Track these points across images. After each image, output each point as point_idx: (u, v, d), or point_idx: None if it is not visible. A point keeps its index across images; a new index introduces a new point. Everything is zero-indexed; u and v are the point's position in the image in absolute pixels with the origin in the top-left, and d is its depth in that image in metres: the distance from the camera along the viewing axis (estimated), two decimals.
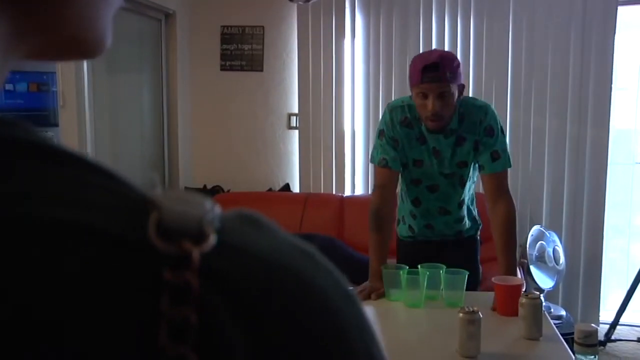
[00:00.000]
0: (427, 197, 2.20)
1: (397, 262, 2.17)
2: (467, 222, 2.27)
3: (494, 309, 1.88)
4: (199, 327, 0.25)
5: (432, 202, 2.20)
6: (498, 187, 2.09)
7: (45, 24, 0.31)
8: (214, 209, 0.29)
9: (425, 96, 1.96)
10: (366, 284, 2.07)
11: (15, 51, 0.31)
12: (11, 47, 0.30)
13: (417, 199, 2.22)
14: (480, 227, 2.34)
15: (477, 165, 2.14)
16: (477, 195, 2.35)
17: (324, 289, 0.30)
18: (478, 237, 2.34)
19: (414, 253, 2.23)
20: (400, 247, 2.26)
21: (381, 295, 2.02)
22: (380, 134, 2.16)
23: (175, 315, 0.25)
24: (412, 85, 2.02)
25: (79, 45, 0.34)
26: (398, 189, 2.25)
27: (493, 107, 2.19)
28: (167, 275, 0.26)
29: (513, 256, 2.07)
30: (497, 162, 2.08)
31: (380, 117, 2.26)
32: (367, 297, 2.00)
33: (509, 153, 2.12)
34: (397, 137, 2.12)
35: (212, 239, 0.27)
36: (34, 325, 0.23)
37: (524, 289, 1.92)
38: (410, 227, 2.29)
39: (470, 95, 3.88)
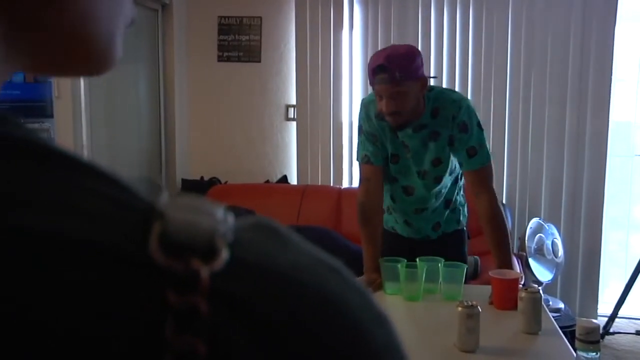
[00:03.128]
0: (402, 199, 2.19)
1: (382, 252, 2.14)
2: (447, 215, 2.22)
3: (491, 303, 1.86)
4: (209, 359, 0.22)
5: (407, 204, 2.19)
6: (478, 183, 2.04)
7: (42, 27, 0.28)
8: (227, 219, 0.25)
9: (380, 97, 1.94)
10: (362, 277, 2.06)
11: (11, 60, 0.28)
12: (6, 55, 0.28)
13: (392, 197, 2.21)
14: (465, 219, 2.29)
15: (454, 160, 2.11)
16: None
17: (354, 310, 0.27)
18: (464, 229, 2.30)
19: (398, 244, 2.22)
20: (385, 236, 2.23)
21: (379, 287, 2.00)
22: (360, 130, 2.15)
23: (182, 345, 0.22)
24: (371, 84, 1.99)
25: (81, 55, 0.31)
26: None
27: (469, 101, 2.10)
28: (172, 298, 0.22)
29: (505, 250, 2.03)
30: (473, 158, 2.02)
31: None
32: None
33: (488, 148, 2.05)
34: (374, 132, 2.10)
35: (225, 255, 0.24)
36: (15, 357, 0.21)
37: (522, 282, 1.90)
38: (395, 219, 2.29)
39: (469, 88, 3.86)
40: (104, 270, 0.22)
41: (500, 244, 2.02)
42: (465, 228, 2.31)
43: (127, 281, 0.23)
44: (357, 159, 2.20)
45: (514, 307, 1.73)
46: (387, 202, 2.26)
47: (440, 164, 2.09)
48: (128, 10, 0.33)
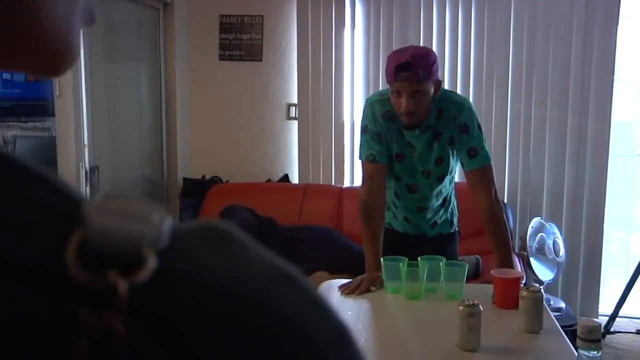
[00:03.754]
0: (405, 196, 2.22)
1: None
2: (442, 214, 2.28)
3: (494, 303, 1.86)
4: None
5: (410, 201, 2.23)
6: (479, 183, 2.06)
7: None
8: (162, 224, 0.22)
9: (399, 94, 1.96)
10: (363, 276, 2.06)
11: None
12: None
13: (396, 193, 2.24)
14: (457, 220, 2.34)
15: (456, 159, 2.14)
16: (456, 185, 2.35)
17: (308, 329, 0.23)
18: (456, 230, 2.35)
19: (394, 240, 2.25)
20: (385, 233, 2.25)
21: (380, 284, 2.01)
22: (364, 129, 2.16)
23: None
24: (387, 82, 2.02)
25: (35, 52, 0.28)
26: None
27: (471, 103, 2.14)
28: (84, 317, 0.19)
29: (505, 249, 2.05)
30: (474, 159, 2.05)
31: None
32: (366, 289, 1.99)
33: (488, 149, 2.08)
34: (380, 131, 2.11)
35: (151, 266, 0.21)
36: None
37: (523, 282, 1.90)
38: (394, 214, 2.32)
39: (471, 87, 3.86)
40: (10, 287, 0.20)
41: (501, 243, 2.05)
42: (457, 229, 2.36)
43: (37, 299, 0.20)
44: (360, 158, 2.21)
45: (516, 306, 1.73)
46: (389, 197, 2.27)
47: (442, 163, 2.12)
48: (88, 5, 0.30)
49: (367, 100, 2.20)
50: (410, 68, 1.90)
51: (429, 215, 2.25)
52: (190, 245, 0.23)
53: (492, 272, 1.91)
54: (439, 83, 2.01)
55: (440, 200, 2.24)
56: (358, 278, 2.05)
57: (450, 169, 2.15)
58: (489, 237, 2.07)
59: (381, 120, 2.10)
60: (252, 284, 0.23)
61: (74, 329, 0.19)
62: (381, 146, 2.12)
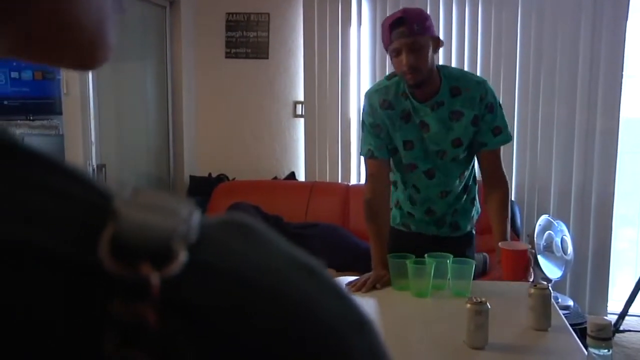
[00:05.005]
0: (426, 184, 2.17)
1: (389, 250, 2.14)
2: (464, 202, 2.23)
3: (499, 262, 1.93)
4: None
5: (431, 188, 2.18)
6: (496, 164, 2.13)
7: (25, 9, 0.26)
8: (191, 218, 0.23)
9: (398, 52, 1.96)
10: (370, 273, 2.05)
11: None
12: None
13: (415, 186, 2.19)
14: (476, 217, 2.30)
15: (471, 145, 2.11)
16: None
17: (331, 318, 0.24)
18: (473, 232, 2.30)
19: (406, 243, 2.18)
20: (392, 235, 2.21)
21: (387, 282, 2.00)
22: (363, 124, 2.17)
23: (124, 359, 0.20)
24: (386, 48, 2.03)
25: (69, 43, 0.28)
26: (392, 177, 2.24)
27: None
28: (117, 307, 0.20)
29: (507, 224, 2.11)
30: (498, 137, 2.11)
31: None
32: (373, 286, 1.99)
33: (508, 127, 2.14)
34: (379, 122, 2.10)
35: (182, 259, 0.21)
36: None
37: (531, 249, 1.94)
38: (408, 213, 2.25)
39: None
40: (43, 278, 0.20)
41: (507, 220, 2.11)
42: (474, 230, 2.32)
43: (70, 290, 0.20)
44: (361, 154, 2.21)
45: (524, 277, 1.74)
46: (405, 195, 2.22)
47: (460, 146, 2.09)
48: None
49: (365, 93, 2.19)
50: (405, 23, 1.94)
51: (452, 201, 2.19)
52: (216, 238, 0.24)
53: (499, 244, 1.94)
54: (437, 40, 2.01)
55: (462, 185, 2.19)
56: (365, 275, 2.05)
57: (466, 152, 2.12)
58: (498, 217, 2.10)
59: (380, 110, 2.09)
60: (277, 275, 0.24)
61: (106, 319, 0.20)
62: (379, 140, 2.11)
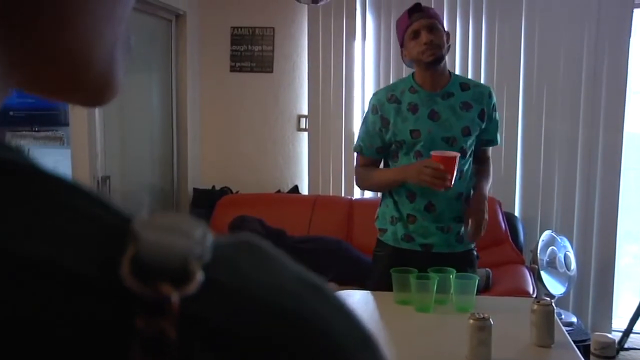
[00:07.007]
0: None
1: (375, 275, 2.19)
2: (463, 207, 2.17)
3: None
4: None
5: None
6: (487, 155, 2.33)
7: (37, 44, 0.26)
8: (205, 239, 0.24)
9: (417, 34, 2.12)
10: (415, 167, 2.06)
11: (7, 77, 0.27)
12: (3, 73, 0.27)
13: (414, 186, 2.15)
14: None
15: (475, 140, 2.20)
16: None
17: (337, 333, 0.25)
18: (474, 251, 2.24)
19: (408, 262, 2.07)
20: (394, 254, 2.14)
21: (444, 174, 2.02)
22: (363, 122, 2.31)
23: None
24: (402, 35, 2.16)
25: (79, 79, 0.29)
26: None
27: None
28: (139, 323, 0.22)
29: (486, 182, 2.27)
30: (498, 136, 2.32)
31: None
32: (433, 179, 1.99)
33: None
34: (386, 115, 2.18)
35: (199, 278, 0.23)
36: None
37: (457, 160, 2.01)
38: (409, 217, 2.16)
39: None
40: (67, 296, 0.22)
41: (486, 179, 2.28)
42: (475, 250, 2.25)
43: (94, 307, 0.22)
44: (353, 148, 2.37)
45: (451, 184, 1.97)
46: (403, 191, 2.17)
47: (469, 135, 2.17)
48: (127, 35, 0.31)
49: (372, 94, 2.32)
50: (422, 9, 2.16)
51: (451, 194, 2.12)
52: (229, 258, 0.25)
53: (431, 152, 2.03)
54: (448, 34, 2.20)
55: (462, 181, 2.15)
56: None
57: (473, 144, 2.19)
58: (482, 174, 2.26)
59: (387, 104, 2.19)
60: (287, 293, 0.25)
61: (130, 334, 0.22)
62: (371, 139, 2.22)
